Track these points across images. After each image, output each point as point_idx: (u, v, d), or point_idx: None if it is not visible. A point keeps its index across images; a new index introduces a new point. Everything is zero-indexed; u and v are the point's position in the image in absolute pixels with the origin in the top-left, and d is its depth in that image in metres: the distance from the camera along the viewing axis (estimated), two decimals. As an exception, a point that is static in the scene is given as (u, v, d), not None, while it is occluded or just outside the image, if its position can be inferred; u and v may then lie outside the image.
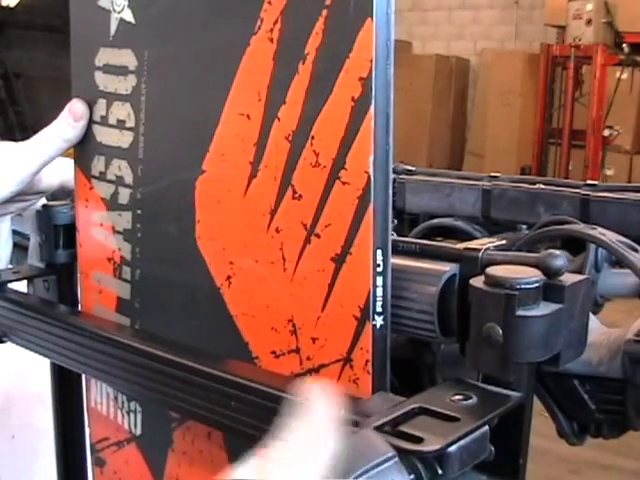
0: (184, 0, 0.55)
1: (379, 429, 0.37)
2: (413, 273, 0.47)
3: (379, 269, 0.45)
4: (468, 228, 0.86)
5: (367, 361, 0.46)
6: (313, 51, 0.46)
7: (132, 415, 0.65)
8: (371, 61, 0.44)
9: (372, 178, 0.44)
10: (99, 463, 0.70)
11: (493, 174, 0.93)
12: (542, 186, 0.86)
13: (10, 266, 0.73)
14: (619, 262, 0.72)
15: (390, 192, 0.45)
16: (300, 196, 0.48)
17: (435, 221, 0.88)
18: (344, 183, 0.46)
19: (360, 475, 0.33)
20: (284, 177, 0.49)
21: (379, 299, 0.45)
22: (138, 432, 0.65)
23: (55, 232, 0.69)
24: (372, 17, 0.43)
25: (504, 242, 0.75)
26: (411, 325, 0.47)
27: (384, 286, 0.45)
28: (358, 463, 0.33)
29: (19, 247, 0.91)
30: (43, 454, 0.96)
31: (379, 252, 0.45)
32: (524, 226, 0.81)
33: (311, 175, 0.47)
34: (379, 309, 0.45)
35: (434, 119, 6.57)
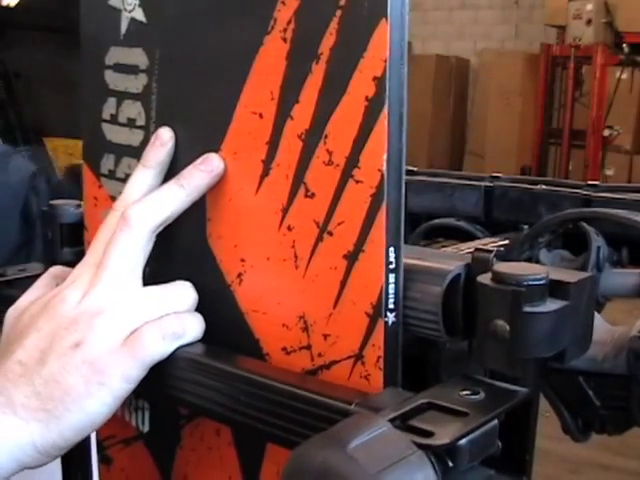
0: None
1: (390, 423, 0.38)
2: (418, 272, 0.48)
3: (391, 266, 0.45)
4: (470, 228, 0.86)
5: (379, 357, 0.46)
6: (327, 51, 0.47)
7: (140, 412, 0.65)
8: (385, 61, 0.44)
9: (386, 176, 0.45)
10: (106, 460, 0.70)
11: (495, 174, 0.93)
12: (543, 186, 0.87)
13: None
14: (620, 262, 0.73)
15: (403, 190, 0.45)
16: (313, 194, 0.48)
17: (437, 221, 0.89)
18: (357, 181, 0.46)
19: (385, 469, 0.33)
20: (296, 175, 0.49)
21: (391, 296, 0.46)
22: (146, 429, 0.65)
23: (61, 230, 0.69)
24: (386, 17, 0.44)
25: (506, 242, 0.76)
26: (416, 324, 0.48)
27: (396, 283, 0.46)
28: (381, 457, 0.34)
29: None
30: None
31: (392, 249, 0.45)
32: (525, 226, 0.82)
33: (324, 173, 0.48)
34: (391, 306, 0.46)
35: (434, 119, 6.56)
